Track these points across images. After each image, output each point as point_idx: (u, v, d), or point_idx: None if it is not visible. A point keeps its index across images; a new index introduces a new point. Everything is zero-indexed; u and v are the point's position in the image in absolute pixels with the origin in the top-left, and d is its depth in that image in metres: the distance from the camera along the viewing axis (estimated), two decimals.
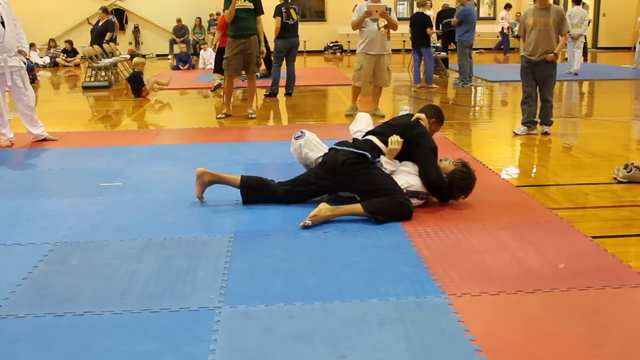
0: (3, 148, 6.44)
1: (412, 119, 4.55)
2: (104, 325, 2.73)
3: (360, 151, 4.27)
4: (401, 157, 4.43)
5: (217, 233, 3.85)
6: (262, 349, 2.52)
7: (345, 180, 4.23)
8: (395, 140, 4.34)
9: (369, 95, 8.68)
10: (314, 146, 4.56)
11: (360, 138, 4.62)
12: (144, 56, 15.29)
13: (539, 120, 6.93)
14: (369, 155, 4.24)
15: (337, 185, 4.30)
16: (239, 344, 2.56)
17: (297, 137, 4.62)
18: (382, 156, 4.33)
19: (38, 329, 2.70)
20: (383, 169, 4.25)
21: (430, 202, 4.34)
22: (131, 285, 3.11)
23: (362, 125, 4.98)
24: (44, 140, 6.77)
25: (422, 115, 4.58)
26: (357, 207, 4.02)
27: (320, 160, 4.45)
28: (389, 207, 4.00)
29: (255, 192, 4.36)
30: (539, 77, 6.71)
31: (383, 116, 8.08)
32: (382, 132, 4.54)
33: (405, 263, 3.35)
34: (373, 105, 8.35)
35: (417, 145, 4.38)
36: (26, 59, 6.65)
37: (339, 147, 4.38)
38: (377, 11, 7.67)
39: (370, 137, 4.50)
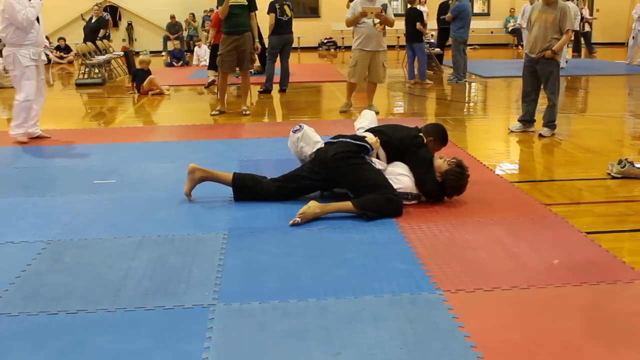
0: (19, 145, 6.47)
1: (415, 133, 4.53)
2: (97, 323, 2.72)
3: (357, 142, 4.26)
4: (394, 160, 4.45)
5: (211, 230, 3.84)
6: (257, 346, 2.51)
7: (336, 174, 4.22)
8: (369, 138, 4.35)
9: (364, 92, 8.68)
10: (311, 140, 4.55)
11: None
12: (137, 53, 15.23)
13: (535, 119, 6.89)
14: (368, 145, 4.24)
15: (329, 179, 4.28)
16: (233, 341, 2.55)
17: (295, 130, 4.61)
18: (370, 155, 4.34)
19: (31, 328, 2.69)
20: (374, 165, 4.24)
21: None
22: (125, 283, 3.10)
23: (366, 122, 4.96)
24: (37, 137, 6.75)
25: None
26: (347, 204, 4.01)
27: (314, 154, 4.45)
28: (378, 202, 4.00)
29: (247, 189, 4.35)
30: (540, 74, 6.58)
31: (377, 112, 8.06)
32: (382, 131, 4.54)
33: (400, 260, 3.35)
34: (368, 102, 8.35)
35: (413, 153, 4.37)
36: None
37: (334, 141, 4.38)
38: (372, 12, 7.64)
39: (368, 133, 4.49)
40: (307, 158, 4.50)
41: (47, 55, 6.79)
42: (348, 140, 4.31)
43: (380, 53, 7.97)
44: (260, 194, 4.33)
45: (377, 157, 4.40)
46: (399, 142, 4.46)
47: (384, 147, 4.43)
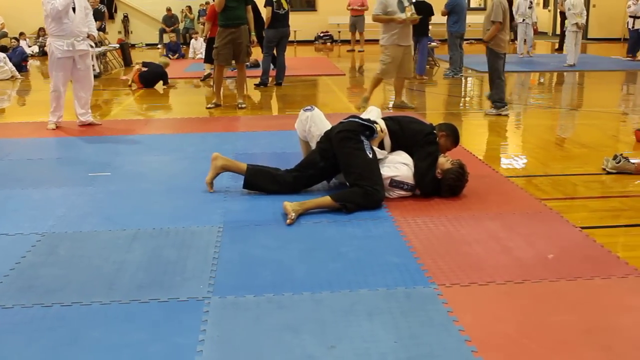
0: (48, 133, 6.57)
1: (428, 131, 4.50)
2: (92, 315, 2.72)
3: (364, 122, 4.28)
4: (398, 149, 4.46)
5: (207, 223, 3.83)
6: (251, 339, 2.51)
7: (335, 152, 4.23)
8: (379, 125, 4.37)
9: (361, 86, 8.62)
10: (320, 122, 4.56)
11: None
12: (132, 46, 15.13)
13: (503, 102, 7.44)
14: (374, 128, 4.27)
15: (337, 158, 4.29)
16: (228, 334, 2.56)
17: (307, 109, 4.65)
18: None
19: (26, 320, 2.68)
20: (367, 152, 4.22)
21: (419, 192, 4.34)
22: (120, 276, 3.10)
23: (372, 118, 4.97)
24: (89, 125, 6.94)
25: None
26: (326, 198, 4.03)
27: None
28: (356, 195, 4.02)
29: (259, 187, 4.36)
30: None
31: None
32: (397, 120, 4.59)
33: (395, 253, 3.35)
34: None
35: (421, 147, 4.35)
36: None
37: (344, 121, 4.41)
38: (411, 20, 7.44)
39: (381, 121, 4.50)
40: (314, 139, 4.51)
41: (90, 45, 6.94)
42: (356, 120, 4.34)
43: (410, 47, 7.84)
44: (275, 189, 4.31)
45: (382, 146, 4.40)
46: (412, 135, 4.44)
47: (393, 136, 4.44)
